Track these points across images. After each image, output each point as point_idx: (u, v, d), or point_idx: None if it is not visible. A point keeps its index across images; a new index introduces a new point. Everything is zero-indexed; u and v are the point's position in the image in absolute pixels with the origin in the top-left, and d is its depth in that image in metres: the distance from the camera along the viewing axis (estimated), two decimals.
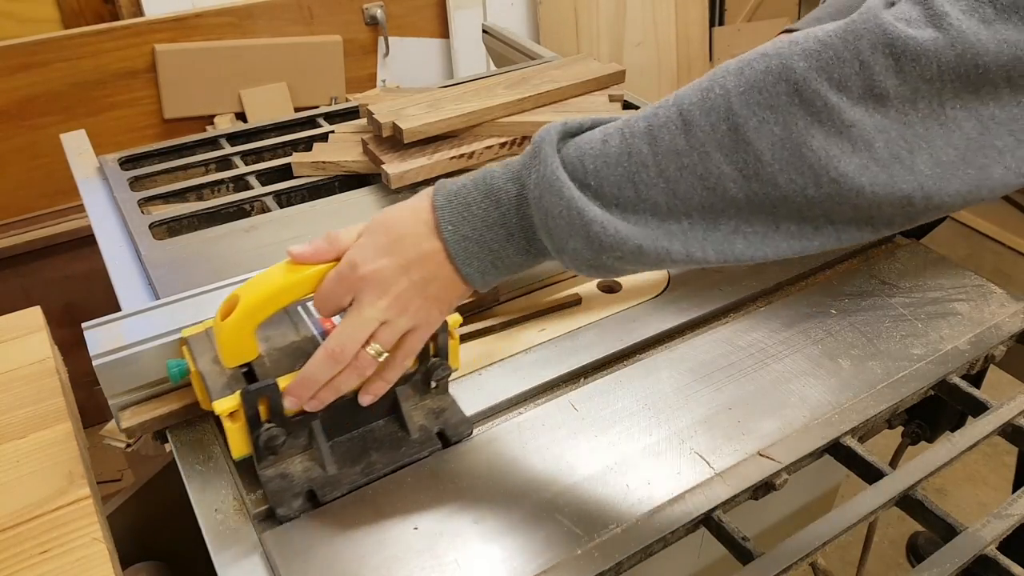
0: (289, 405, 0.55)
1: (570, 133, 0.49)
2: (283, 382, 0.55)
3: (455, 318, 0.61)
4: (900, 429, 0.79)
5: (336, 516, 0.57)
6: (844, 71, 0.40)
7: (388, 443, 0.61)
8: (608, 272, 0.49)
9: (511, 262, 0.52)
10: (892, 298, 0.78)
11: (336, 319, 0.59)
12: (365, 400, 0.57)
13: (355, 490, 0.58)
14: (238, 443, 0.56)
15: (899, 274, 0.81)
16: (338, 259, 0.53)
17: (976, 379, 0.75)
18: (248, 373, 0.57)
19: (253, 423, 0.55)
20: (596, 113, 0.99)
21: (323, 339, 0.57)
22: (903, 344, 0.72)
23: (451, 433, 0.62)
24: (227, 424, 0.55)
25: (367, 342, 0.53)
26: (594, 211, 0.46)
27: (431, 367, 0.62)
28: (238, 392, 0.54)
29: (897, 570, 1.50)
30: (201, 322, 0.63)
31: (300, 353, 0.57)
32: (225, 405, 0.54)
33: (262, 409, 0.55)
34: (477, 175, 0.51)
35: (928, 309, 0.76)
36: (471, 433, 0.63)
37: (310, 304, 0.62)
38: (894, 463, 0.76)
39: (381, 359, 0.54)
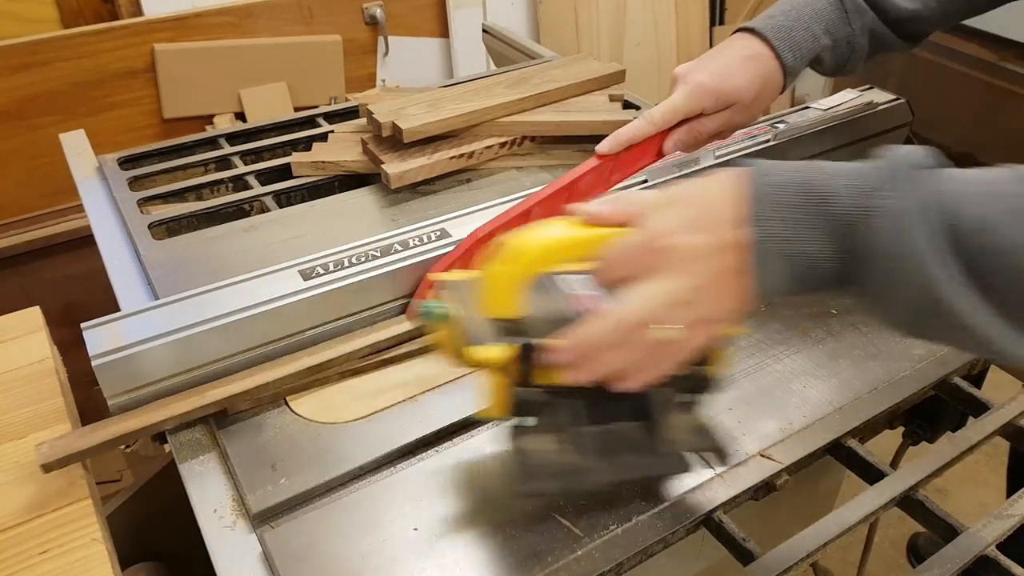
0: (552, 360, 0.49)
1: (932, 160, 0.43)
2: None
3: (743, 328, 0.54)
4: (901, 429, 0.79)
5: (336, 516, 0.57)
6: None
7: (639, 448, 0.56)
8: (909, 333, 0.44)
9: (804, 284, 0.45)
10: None
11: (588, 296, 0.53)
12: (624, 387, 0.49)
13: (603, 484, 0.58)
14: (498, 400, 0.52)
15: None
16: (625, 225, 0.48)
17: (977, 379, 0.75)
18: (510, 329, 0.51)
19: (519, 381, 0.51)
20: (597, 113, 0.99)
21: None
22: (904, 344, 0.72)
23: (715, 459, 0.59)
24: (491, 376, 0.52)
25: (656, 322, 0.46)
26: (955, 288, 0.39)
27: (696, 376, 0.55)
28: (512, 344, 0.50)
29: (897, 570, 1.50)
30: (453, 271, 0.58)
31: (561, 325, 0.50)
32: (491, 353, 0.49)
33: (527, 370, 0.51)
34: (802, 174, 0.44)
35: None
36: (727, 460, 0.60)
37: (559, 277, 0.56)
38: (895, 463, 0.76)
39: (665, 344, 0.47)
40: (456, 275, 0.55)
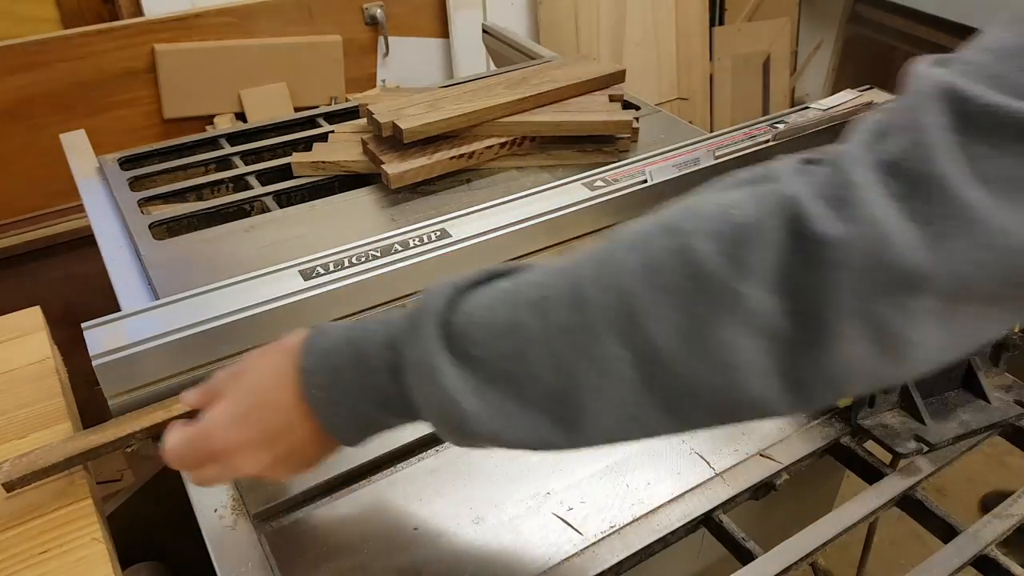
0: None
1: (461, 289, 0.44)
2: None
3: None
4: None
5: (336, 516, 0.57)
6: (749, 255, 0.35)
7: (971, 408, 0.66)
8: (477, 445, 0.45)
9: (388, 423, 0.47)
10: None
11: None
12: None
13: (960, 440, 0.63)
14: None
15: None
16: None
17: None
18: None
19: None
20: (597, 113, 0.99)
21: None
22: None
23: None
24: None
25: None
26: (469, 403, 0.41)
27: (1007, 342, 0.66)
28: None
29: (897, 570, 1.50)
30: None
31: None
32: None
33: None
34: (351, 333, 0.46)
35: None
36: None
37: None
38: (893, 463, 0.76)
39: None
40: None
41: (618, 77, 1.10)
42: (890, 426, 0.64)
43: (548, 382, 0.40)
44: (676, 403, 0.38)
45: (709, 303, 0.36)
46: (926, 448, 0.62)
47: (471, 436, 0.42)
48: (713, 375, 0.37)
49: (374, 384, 0.45)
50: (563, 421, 0.40)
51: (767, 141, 0.90)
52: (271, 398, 0.47)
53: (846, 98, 0.99)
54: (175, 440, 0.49)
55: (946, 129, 0.33)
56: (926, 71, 0.36)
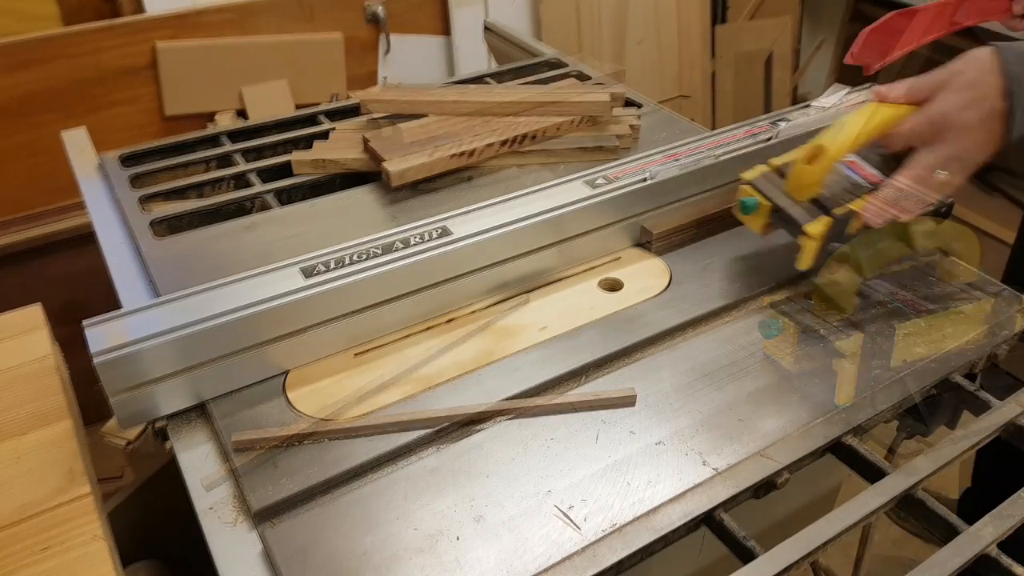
0: (865, 218, 0.71)
1: None
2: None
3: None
4: (895, 423, 0.79)
5: (337, 514, 0.57)
6: None
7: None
8: None
9: None
10: (895, 296, 0.78)
11: (871, 170, 0.75)
12: (877, 223, 0.71)
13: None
14: (809, 258, 0.72)
15: (902, 272, 0.81)
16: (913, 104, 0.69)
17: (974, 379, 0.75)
18: (816, 204, 0.72)
19: (827, 241, 0.72)
20: (582, 94, 0.99)
21: (866, 184, 0.73)
22: (906, 342, 0.72)
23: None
24: (808, 243, 0.71)
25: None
26: None
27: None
28: (824, 218, 0.71)
29: (897, 570, 1.50)
30: (754, 168, 0.76)
31: (848, 191, 0.73)
32: (817, 228, 0.70)
33: (839, 232, 0.72)
34: None
35: (931, 307, 0.76)
36: None
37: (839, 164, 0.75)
38: (890, 460, 0.76)
39: (940, 186, 0.68)
40: (754, 173, 0.76)
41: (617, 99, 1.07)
42: (840, 283, 0.74)
43: None
44: None
45: None
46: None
47: None
48: None
49: None
50: None
51: (769, 139, 0.90)
52: (984, 89, 0.65)
53: (847, 97, 0.99)
54: (913, 124, 0.68)
55: None
56: None
